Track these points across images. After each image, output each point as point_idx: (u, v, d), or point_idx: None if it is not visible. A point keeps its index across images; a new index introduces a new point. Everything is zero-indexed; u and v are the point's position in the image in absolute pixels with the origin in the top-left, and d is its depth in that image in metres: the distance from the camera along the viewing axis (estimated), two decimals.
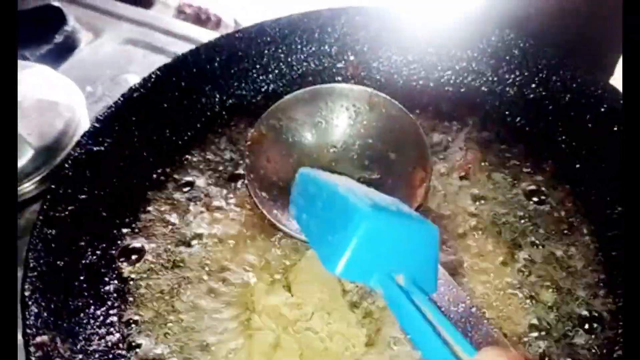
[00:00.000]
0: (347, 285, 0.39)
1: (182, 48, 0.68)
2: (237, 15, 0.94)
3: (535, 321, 0.37)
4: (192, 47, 0.66)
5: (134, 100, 0.46)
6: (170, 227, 0.43)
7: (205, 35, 0.70)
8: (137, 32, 0.71)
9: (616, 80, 0.49)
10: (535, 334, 0.36)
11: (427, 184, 0.42)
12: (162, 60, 0.68)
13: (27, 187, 0.52)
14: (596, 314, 0.36)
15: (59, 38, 0.66)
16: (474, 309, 0.33)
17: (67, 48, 0.68)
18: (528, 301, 0.37)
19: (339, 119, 0.47)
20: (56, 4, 0.68)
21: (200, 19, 0.93)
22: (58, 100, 0.56)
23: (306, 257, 0.41)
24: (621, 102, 0.42)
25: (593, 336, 0.36)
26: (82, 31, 0.71)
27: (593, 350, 0.35)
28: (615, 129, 0.42)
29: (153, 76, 0.47)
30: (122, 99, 0.45)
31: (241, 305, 0.39)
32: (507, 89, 0.48)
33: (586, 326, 0.36)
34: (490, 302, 0.37)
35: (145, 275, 0.40)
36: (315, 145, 0.47)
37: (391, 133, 0.46)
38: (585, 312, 0.37)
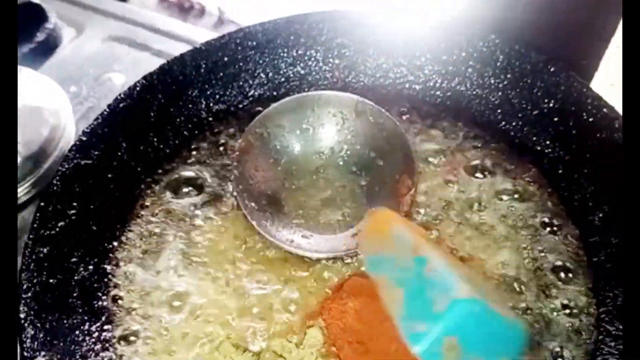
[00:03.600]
0: None
1: (166, 44, 0.68)
2: (221, 4, 0.92)
3: None
4: (176, 43, 0.67)
5: (120, 110, 0.45)
6: (159, 237, 0.43)
7: (190, 31, 0.70)
8: (120, 28, 0.70)
9: (596, 84, 0.50)
10: None
11: (412, 192, 0.43)
12: (146, 57, 0.68)
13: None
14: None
15: (40, 36, 0.65)
16: None
17: (50, 46, 0.67)
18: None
19: (325, 126, 0.47)
20: (36, 1, 0.67)
21: (184, 7, 0.91)
22: (43, 105, 0.56)
23: None
24: (604, 109, 0.42)
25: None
26: (64, 28, 0.69)
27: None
28: (598, 135, 0.43)
29: (138, 85, 0.46)
30: (107, 110, 0.45)
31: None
32: (492, 93, 0.48)
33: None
34: None
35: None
36: (302, 152, 0.47)
37: (378, 140, 0.46)
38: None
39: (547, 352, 0.37)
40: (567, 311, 0.38)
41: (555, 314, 0.38)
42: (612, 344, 0.36)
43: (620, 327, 0.37)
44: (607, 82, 0.52)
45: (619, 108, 0.42)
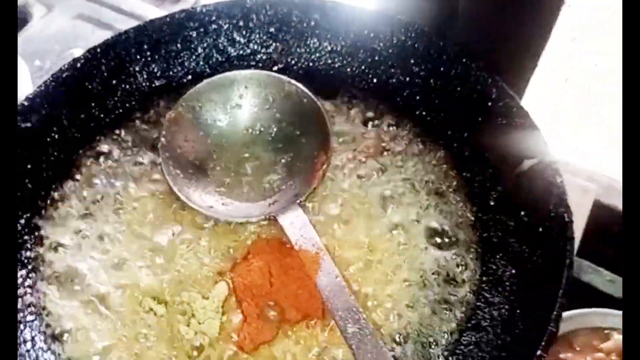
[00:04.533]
0: None
1: (129, 24, 0.70)
2: None
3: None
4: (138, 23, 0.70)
5: (62, 80, 0.49)
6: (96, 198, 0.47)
7: (154, 13, 0.73)
8: (88, 7, 0.74)
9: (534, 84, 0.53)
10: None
11: (325, 167, 0.47)
12: (108, 35, 0.71)
13: None
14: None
15: None
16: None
17: (19, 22, 0.70)
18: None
19: (255, 103, 0.51)
20: None
21: None
22: None
23: None
24: (507, 100, 0.46)
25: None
26: (35, 5, 0.73)
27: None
28: (499, 121, 0.46)
29: (82, 58, 0.50)
30: (51, 78, 0.48)
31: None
32: (415, 80, 0.51)
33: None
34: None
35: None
36: (232, 127, 0.51)
37: (302, 119, 0.50)
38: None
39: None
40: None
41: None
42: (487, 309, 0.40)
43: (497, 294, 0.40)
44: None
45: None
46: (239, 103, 0.51)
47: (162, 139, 0.47)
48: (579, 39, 0.56)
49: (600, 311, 0.47)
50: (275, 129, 0.50)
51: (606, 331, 0.46)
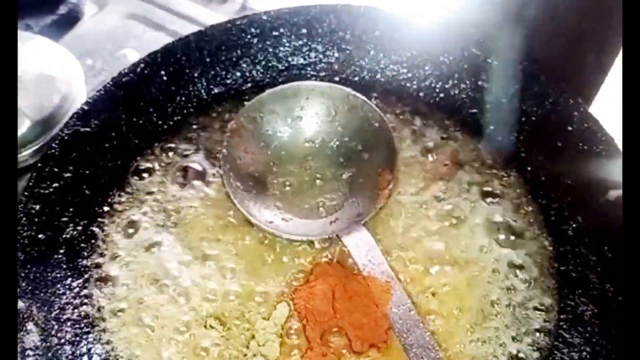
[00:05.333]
0: None
1: (182, 26, 0.70)
2: None
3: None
4: (191, 25, 0.69)
5: (122, 84, 0.48)
6: (152, 206, 0.46)
7: (206, 16, 0.72)
8: (140, 7, 0.73)
9: (595, 107, 0.50)
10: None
11: (391, 186, 0.44)
12: (161, 37, 0.70)
13: (23, 157, 0.55)
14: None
15: (63, 9, 0.68)
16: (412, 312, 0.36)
17: (71, 19, 0.70)
18: None
19: (317, 116, 0.49)
20: None
21: None
22: (57, 74, 0.58)
23: None
24: (587, 124, 0.43)
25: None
26: (86, 3, 0.72)
27: None
28: (580, 147, 0.43)
29: (142, 62, 0.48)
30: (110, 83, 0.47)
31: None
32: (484, 97, 0.49)
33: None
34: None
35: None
36: (292, 139, 0.49)
37: (366, 134, 0.48)
38: None
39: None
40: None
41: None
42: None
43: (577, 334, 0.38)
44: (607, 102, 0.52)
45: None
46: (301, 115, 0.49)
47: (224, 150, 0.46)
48: None
49: None
50: (337, 143, 0.48)
51: None
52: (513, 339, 0.38)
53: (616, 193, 0.40)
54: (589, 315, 0.38)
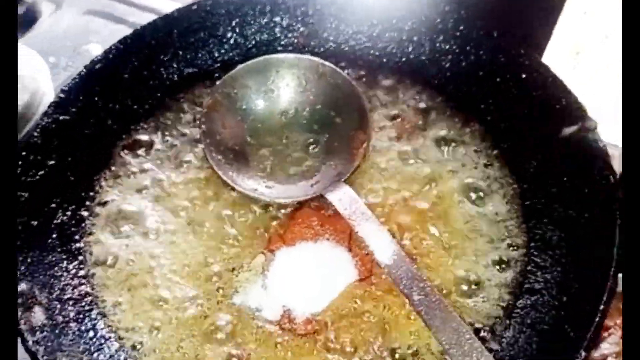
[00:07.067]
0: None
1: (141, 17, 0.70)
2: None
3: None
4: (152, 16, 0.70)
5: (95, 71, 0.48)
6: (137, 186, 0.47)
7: (165, 5, 0.72)
8: (97, 2, 0.73)
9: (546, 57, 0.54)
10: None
11: (366, 145, 0.47)
12: (122, 29, 0.71)
13: None
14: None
15: (20, 9, 0.68)
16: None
17: (29, 19, 0.69)
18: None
19: (289, 87, 0.51)
20: None
21: None
22: (22, 72, 0.58)
23: None
24: (541, 70, 0.47)
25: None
26: (43, 2, 0.72)
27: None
28: (534, 93, 0.47)
29: (113, 48, 0.49)
30: (84, 70, 0.48)
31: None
32: (443, 57, 0.52)
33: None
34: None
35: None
36: (267, 111, 0.51)
37: (337, 99, 0.50)
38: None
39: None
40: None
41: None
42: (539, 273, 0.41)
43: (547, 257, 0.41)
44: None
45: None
46: (273, 87, 0.51)
47: (202, 126, 0.47)
48: (589, 13, 0.58)
49: None
50: (310, 111, 0.51)
51: None
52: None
53: (570, 129, 0.44)
54: (556, 240, 0.42)
